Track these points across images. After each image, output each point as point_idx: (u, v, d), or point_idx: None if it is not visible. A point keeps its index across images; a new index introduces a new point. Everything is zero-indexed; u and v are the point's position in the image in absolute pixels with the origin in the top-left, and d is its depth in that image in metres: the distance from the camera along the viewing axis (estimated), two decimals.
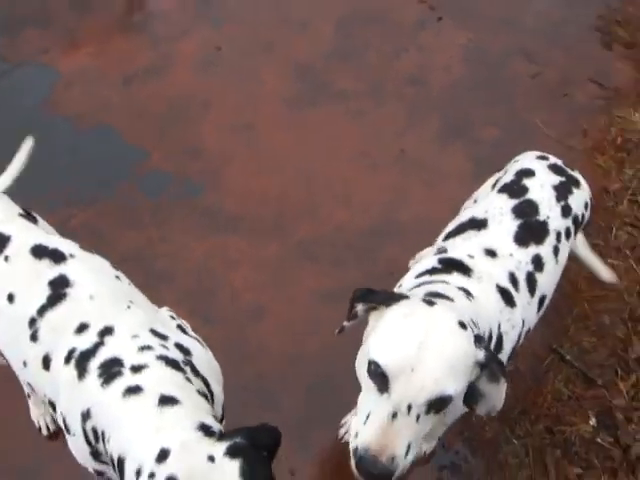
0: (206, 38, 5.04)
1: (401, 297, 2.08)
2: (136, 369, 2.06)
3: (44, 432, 3.22)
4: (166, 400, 1.96)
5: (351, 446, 1.92)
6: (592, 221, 3.98)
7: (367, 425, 1.89)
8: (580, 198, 2.83)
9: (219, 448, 1.83)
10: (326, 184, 4.16)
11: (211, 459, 1.80)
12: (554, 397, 3.50)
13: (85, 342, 2.14)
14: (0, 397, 3.29)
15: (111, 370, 2.06)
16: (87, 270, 2.36)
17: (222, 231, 3.95)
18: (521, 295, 2.46)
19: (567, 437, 3.38)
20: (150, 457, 1.79)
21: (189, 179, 4.18)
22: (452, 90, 4.79)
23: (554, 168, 2.85)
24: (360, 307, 2.14)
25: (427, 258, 2.57)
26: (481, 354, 1.97)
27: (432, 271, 2.42)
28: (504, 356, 2.40)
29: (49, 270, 2.30)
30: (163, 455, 1.79)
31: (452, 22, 5.30)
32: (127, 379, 2.03)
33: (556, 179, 2.79)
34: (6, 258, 2.33)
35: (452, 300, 2.19)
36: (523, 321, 2.49)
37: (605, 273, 3.40)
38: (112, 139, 4.35)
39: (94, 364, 2.09)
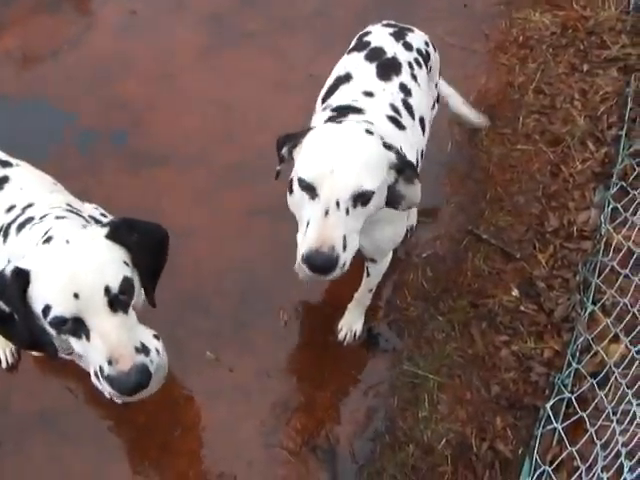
0: (121, 4, 5.04)
1: (311, 129, 2.30)
2: (42, 217, 2.23)
3: (3, 365, 3.27)
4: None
5: (299, 258, 2.12)
6: (499, 113, 4.08)
7: (308, 232, 2.10)
8: (418, 38, 2.99)
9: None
10: (245, 114, 4.20)
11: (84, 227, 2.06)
12: (474, 274, 3.53)
13: (10, 216, 2.31)
14: None
15: (25, 224, 2.22)
16: (26, 173, 2.60)
17: (150, 167, 4.00)
18: (405, 119, 2.62)
19: (491, 309, 3.42)
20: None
21: (117, 130, 4.22)
22: (356, 17, 4.77)
23: (387, 25, 3.03)
24: (284, 150, 2.31)
25: (318, 115, 2.73)
26: (392, 155, 2.18)
27: (329, 120, 2.49)
28: None
29: None
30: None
31: None
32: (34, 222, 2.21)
33: (390, 30, 2.97)
34: None
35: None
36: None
37: (476, 118, 3.49)
38: (43, 108, 4.37)
39: (14, 226, 2.25)
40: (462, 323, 3.37)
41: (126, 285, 1.96)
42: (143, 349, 1.97)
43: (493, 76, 4.43)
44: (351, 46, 3.01)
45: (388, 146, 2.21)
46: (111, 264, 1.96)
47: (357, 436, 3.06)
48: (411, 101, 2.72)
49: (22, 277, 1.90)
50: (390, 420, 3.10)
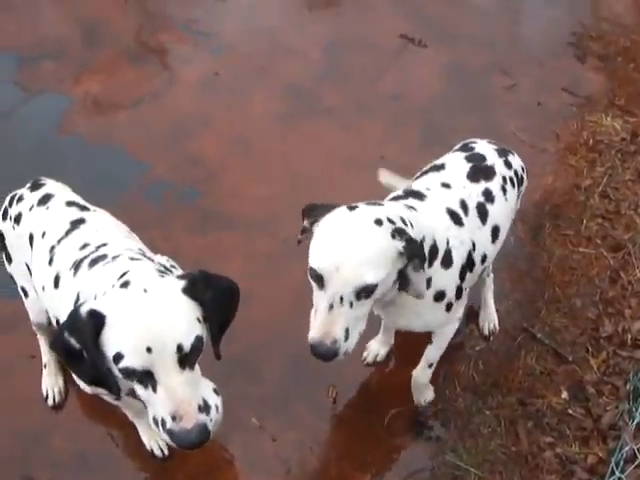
0: (206, 66, 5.15)
1: (335, 207, 2.29)
2: (115, 257, 2.27)
3: (50, 402, 3.26)
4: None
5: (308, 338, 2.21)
6: (563, 213, 4.06)
7: (312, 320, 2.24)
8: (517, 161, 3.06)
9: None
10: (313, 187, 4.21)
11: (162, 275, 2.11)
12: (525, 372, 3.48)
13: (84, 253, 2.35)
14: (13, 371, 3.39)
15: (98, 260, 2.27)
16: (103, 217, 2.70)
17: (218, 229, 4.01)
18: (470, 219, 2.65)
19: (539, 409, 3.35)
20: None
21: (188, 186, 4.27)
22: (431, 103, 4.85)
23: (491, 142, 3.12)
24: (306, 222, 2.33)
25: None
26: (400, 245, 2.17)
27: (394, 199, 2.60)
28: (455, 270, 2.55)
29: (73, 214, 2.62)
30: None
31: (433, 44, 5.39)
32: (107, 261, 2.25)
33: (494, 146, 3.05)
34: (47, 207, 2.69)
35: (381, 205, 2.41)
36: (474, 243, 2.64)
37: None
38: (119, 155, 4.44)
39: (86, 261, 2.29)
40: (509, 420, 3.29)
41: (197, 344, 1.98)
42: (205, 407, 1.99)
43: (560, 176, 4.42)
44: (455, 148, 3.10)
45: (399, 232, 2.20)
46: (186, 322, 1.98)
47: None
48: (489, 207, 2.76)
49: (97, 320, 1.93)
50: None
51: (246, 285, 3.54)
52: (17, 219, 2.76)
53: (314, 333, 2.19)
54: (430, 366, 3.09)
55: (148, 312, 1.94)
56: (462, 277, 2.60)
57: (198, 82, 5.03)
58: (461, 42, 5.42)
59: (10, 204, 2.85)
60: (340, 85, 4.97)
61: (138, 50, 5.26)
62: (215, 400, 2.07)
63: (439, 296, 2.56)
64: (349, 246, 2.13)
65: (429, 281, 2.43)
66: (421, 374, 3.13)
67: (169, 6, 5.73)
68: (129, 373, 1.92)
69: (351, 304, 2.15)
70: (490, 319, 3.56)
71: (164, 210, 4.07)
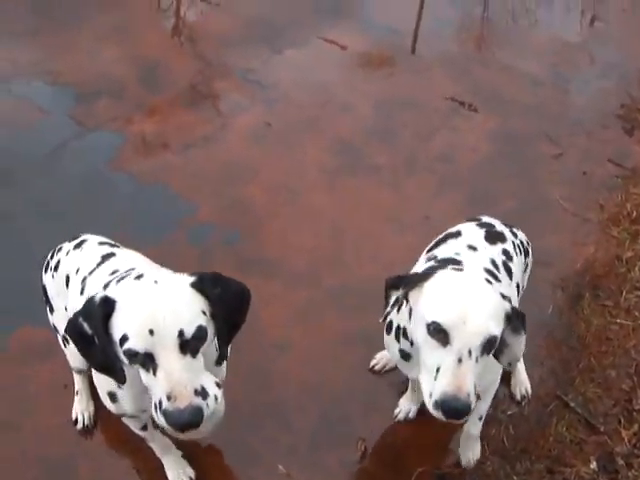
0: (259, 115, 5.24)
1: (431, 273, 2.31)
2: (141, 275, 2.27)
3: (79, 426, 3.30)
4: None
5: (429, 404, 2.14)
6: (603, 284, 4.04)
7: (440, 378, 2.11)
8: (521, 234, 3.16)
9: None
10: (357, 242, 4.25)
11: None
12: (556, 439, 3.43)
13: (114, 276, 2.41)
14: (45, 399, 3.44)
15: (125, 277, 2.31)
16: (133, 252, 2.83)
17: (258, 275, 4.01)
18: (502, 276, 2.71)
19: (567, 478, 3.29)
20: None
21: (232, 230, 4.32)
22: (478, 167, 4.88)
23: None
24: (399, 292, 2.32)
25: (421, 264, 2.83)
26: (507, 305, 2.23)
27: (431, 269, 2.53)
28: None
29: (105, 250, 2.76)
30: None
31: (483, 108, 5.44)
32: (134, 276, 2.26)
33: (500, 221, 3.14)
34: (81, 249, 2.83)
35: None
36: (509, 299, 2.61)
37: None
38: (167, 195, 4.51)
39: (115, 279, 2.34)
40: None
41: (199, 333, 2.04)
42: (202, 393, 2.03)
43: (602, 247, 4.40)
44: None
45: (503, 295, 2.25)
46: (189, 310, 2.05)
47: None
48: (511, 265, 2.84)
49: (108, 305, 2.04)
50: None
51: (282, 333, 3.63)
52: (56, 267, 2.88)
53: (447, 387, 2.09)
54: (480, 419, 3.09)
55: (154, 299, 2.03)
56: None
57: (250, 130, 5.11)
58: (510, 108, 5.46)
59: (51, 257, 2.97)
60: (389, 143, 5.02)
61: (193, 95, 5.39)
62: (215, 391, 2.09)
63: None
64: (473, 300, 2.15)
65: (512, 361, 2.46)
66: (472, 427, 3.12)
67: (227, 54, 5.86)
68: (132, 355, 2.00)
69: (477, 359, 2.13)
70: (522, 383, 3.53)
71: (206, 252, 4.13)
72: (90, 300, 2.08)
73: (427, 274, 2.31)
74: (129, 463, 3.23)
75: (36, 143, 4.90)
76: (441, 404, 2.09)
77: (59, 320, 2.95)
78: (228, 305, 2.15)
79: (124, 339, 2.00)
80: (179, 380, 1.99)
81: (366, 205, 4.53)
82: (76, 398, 3.36)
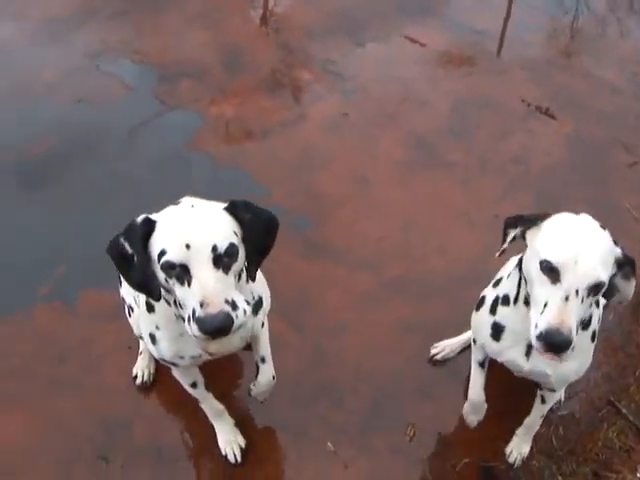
0: (336, 105, 5.32)
1: (549, 214, 2.41)
2: None
3: (138, 381, 3.46)
4: None
5: (533, 335, 2.25)
6: None
7: (546, 311, 2.22)
8: None
9: None
10: (424, 234, 4.28)
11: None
12: (604, 445, 3.41)
13: None
14: (108, 359, 3.61)
15: None
16: None
17: (325, 259, 4.12)
18: None
19: None
20: None
21: (304, 215, 4.39)
22: (550, 171, 4.87)
23: None
24: (517, 231, 2.43)
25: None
26: (619, 251, 2.31)
27: None
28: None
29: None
30: None
31: (560, 114, 5.41)
32: None
33: None
34: None
35: None
36: None
37: None
38: (241, 176, 4.61)
39: None
40: None
41: (231, 250, 2.17)
42: (232, 304, 2.14)
43: None
44: None
45: (615, 242, 2.32)
46: (222, 229, 2.19)
47: None
48: None
49: (148, 225, 2.18)
50: None
51: (343, 316, 3.70)
52: None
53: (551, 321, 2.20)
54: (542, 417, 3.15)
55: (191, 218, 2.18)
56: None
57: (327, 120, 5.18)
58: (588, 115, 5.42)
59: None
60: (463, 141, 5.04)
61: (274, 82, 5.50)
62: (245, 306, 2.20)
63: (593, 336, 2.67)
64: (587, 242, 2.22)
65: (590, 318, 2.56)
66: (534, 422, 3.19)
67: (310, 45, 5.96)
68: (170, 267, 2.13)
69: (582, 299, 2.21)
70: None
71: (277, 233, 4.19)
72: (132, 222, 2.22)
73: (546, 214, 2.41)
74: (183, 426, 3.34)
75: (121, 118, 5.07)
76: (545, 335, 2.19)
77: (126, 292, 3.09)
78: (258, 230, 2.29)
79: (162, 253, 2.13)
80: (212, 289, 2.11)
81: (436, 200, 4.56)
82: (139, 357, 3.51)
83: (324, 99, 5.37)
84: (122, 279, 3.04)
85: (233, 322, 2.13)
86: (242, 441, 3.24)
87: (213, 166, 4.71)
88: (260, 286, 2.76)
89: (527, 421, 3.22)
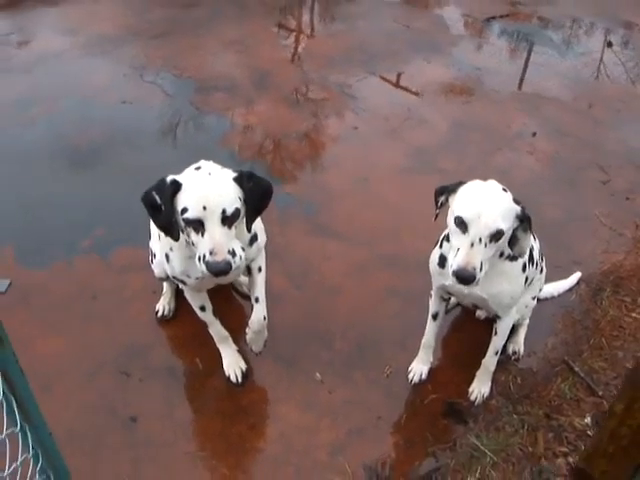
0: (348, 120, 5.80)
1: (464, 182, 2.92)
2: None
3: (159, 314, 3.87)
4: None
5: (450, 272, 2.80)
6: (625, 284, 4.35)
7: (457, 254, 2.75)
8: None
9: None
10: (413, 223, 4.62)
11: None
12: (557, 394, 3.65)
13: None
14: (135, 299, 4.03)
15: None
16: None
17: (325, 236, 4.52)
18: None
19: (561, 424, 3.51)
20: None
21: (311, 202, 4.81)
22: (532, 183, 5.22)
23: None
24: (443, 197, 2.96)
25: None
26: (519, 209, 2.81)
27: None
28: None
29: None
30: None
31: (546, 138, 5.82)
32: None
33: None
34: None
35: None
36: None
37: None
38: (261, 170, 5.03)
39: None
40: (532, 426, 3.50)
41: (236, 212, 2.72)
42: (232, 253, 2.71)
43: (631, 257, 4.67)
44: None
45: (517, 201, 2.82)
46: (230, 196, 2.72)
47: (410, 474, 3.28)
48: None
49: (175, 185, 2.71)
50: (442, 475, 3.30)
51: (338, 281, 4.12)
52: None
53: (460, 261, 2.72)
54: (496, 353, 3.52)
55: (208, 185, 2.71)
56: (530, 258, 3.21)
57: (339, 131, 5.66)
58: (571, 140, 5.83)
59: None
60: (456, 154, 5.45)
61: (295, 99, 6.02)
62: (241, 253, 2.76)
63: (524, 267, 3.14)
64: (488, 201, 2.73)
65: (520, 256, 3.05)
66: (489, 361, 3.56)
67: (329, 71, 6.52)
68: (189, 221, 2.67)
69: (485, 245, 2.71)
70: (517, 343, 3.89)
71: (286, 215, 4.62)
72: (162, 180, 2.75)
73: (461, 183, 2.91)
74: (194, 352, 3.71)
75: (161, 118, 5.60)
76: (456, 272, 2.73)
77: (153, 243, 3.55)
78: (256, 196, 2.83)
79: (185, 210, 2.68)
80: (219, 241, 2.68)
81: (425, 196, 4.84)
82: (162, 296, 3.91)
83: (338, 115, 5.85)
84: (151, 232, 3.53)
85: (232, 267, 2.70)
86: (244, 365, 3.60)
87: (236, 159, 5.16)
88: (257, 226, 3.20)
89: (484, 360, 3.57)
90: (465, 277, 2.73)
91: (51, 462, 2.57)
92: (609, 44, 7.83)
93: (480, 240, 2.72)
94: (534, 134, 5.82)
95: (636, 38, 8.10)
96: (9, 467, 2.18)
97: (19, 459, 2.24)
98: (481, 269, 2.73)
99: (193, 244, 2.78)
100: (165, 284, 3.87)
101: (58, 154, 5.10)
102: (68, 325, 3.81)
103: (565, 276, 4.29)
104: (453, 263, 2.77)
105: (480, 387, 3.63)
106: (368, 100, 6.07)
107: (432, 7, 8.36)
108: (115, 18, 7.07)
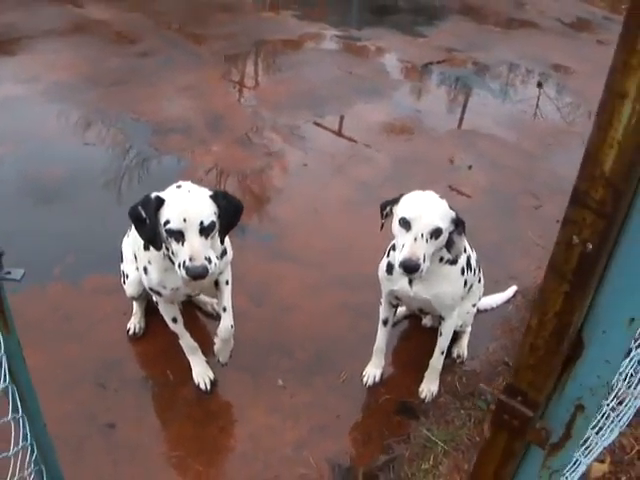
0: (298, 158, 6.16)
1: (405, 194, 3.28)
2: None
3: (130, 332, 4.12)
4: None
5: (397, 265, 3.13)
6: None
7: (403, 249, 3.08)
8: None
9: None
10: (361, 249, 4.93)
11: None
12: (499, 391, 4.09)
13: None
14: (107, 321, 4.28)
15: None
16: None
17: (281, 261, 4.84)
18: None
19: None
20: None
21: (266, 232, 5.14)
22: (469, 209, 5.44)
23: None
24: (388, 209, 3.28)
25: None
26: (453, 214, 3.20)
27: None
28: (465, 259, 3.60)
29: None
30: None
31: (481, 170, 6.27)
32: None
33: None
34: None
35: None
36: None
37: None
38: None
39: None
40: (478, 419, 3.83)
41: (212, 225, 3.05)
42: (208, 259, 3.03)
43: None
44: None
45: (452, 208, 3.21)
46: (207, 210, 3.05)
47: (370, 464, 3.58)
48: None
49: (159, 201, 3.03)
50: (398, 464, 3.61)
51: (294, 300, 4.48)
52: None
53: (406, 254, 3.05)
54: (442, 353, 3.85)
55: (188, 201, 3.04)
56: (468, 264, 3.57)
57: (290, 167, 6.04)
58: (505, 172, 6.29)
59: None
60: (398, 186, 5.68)
61: (248, 139, 6.34)
62: (216, 261, 3.11)
63: (462, 271, 3.50)
64: (428, 204, 3.14)
65: (457, 258, 3.40)
66: (436, 360, 3.88)
67: (278, 115, 6.89)
68: (172, 232, 3.00)
69: (427, 240, 3.06)
70: (461, 347, 4.24)
71: (245, 242, 4.90)
72: (147, 197, 3.07)
73: (402, 195, 3.26)
74: (164, 366, 3.97)
75: (121, 158, 5.91)
76: (402, 263, 3.06)
77: (125, 265, 3.90)
78: (229, 212, 3.17)
79: (167, 222, 2.99)
80: (197, 249, 3.00)
81: (370, 224, 5.20)
82: (133, 316, 4.17)
83: (288, 153, 6.21)
84: (123, 254, 3.88)
85: (208, 271, 3.02)
86: (212, 375, 3.87)
87: None
88: (227, 243, 3.54)
89: (432, 360, 3.90)
90: (411, 266, 3.06)
91: (43, 455, 2.62)
92: (539, 84, 8.40)
93: (422, 236, 3.06)
94: (470, 167, 6.23)
95: (564, 79, 8.68)
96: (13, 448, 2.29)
97: (20, 444, 2.36)
98: (424, 261, 3.07)
99: (173, 253, 3.09)
100: (135, 304, 4.12)
101: (25, 191, 5.33)
102: (44, 343, 4.01)
103: (503, 289, 4.65)
104: (399, 257, 3.09)
105: (429, 386, 3.96)
106: (315, 140, 6.45)
107: (373, 55, 8.83)
108: (73, 67, 7.37)
